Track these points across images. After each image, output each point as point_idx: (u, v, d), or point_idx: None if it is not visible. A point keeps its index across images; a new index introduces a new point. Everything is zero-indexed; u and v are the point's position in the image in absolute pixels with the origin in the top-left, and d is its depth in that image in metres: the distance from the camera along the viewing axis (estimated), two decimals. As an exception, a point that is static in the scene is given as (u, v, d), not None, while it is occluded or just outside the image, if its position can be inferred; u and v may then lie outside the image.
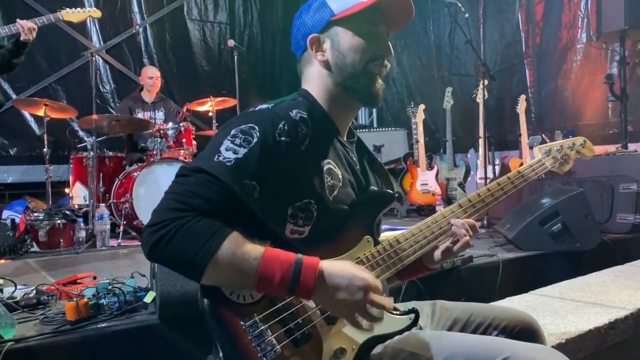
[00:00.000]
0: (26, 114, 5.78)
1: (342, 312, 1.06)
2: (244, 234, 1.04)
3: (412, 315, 1.13)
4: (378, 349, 1.13)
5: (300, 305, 1.09)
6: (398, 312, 1.14)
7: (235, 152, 1.07)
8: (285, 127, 1.11)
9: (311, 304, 1.09)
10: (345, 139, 1.30)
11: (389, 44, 1.26)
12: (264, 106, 1.17)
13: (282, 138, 1.10)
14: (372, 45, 1.23)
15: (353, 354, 1.08)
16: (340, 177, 1.20)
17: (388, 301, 1.06)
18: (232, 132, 1.10)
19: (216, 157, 1.07)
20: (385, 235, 1.27)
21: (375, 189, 1.30)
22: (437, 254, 1.29)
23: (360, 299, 1.03)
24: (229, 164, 1.05)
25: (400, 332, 1.12)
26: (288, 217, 1.13)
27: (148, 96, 5.51)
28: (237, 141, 1.08)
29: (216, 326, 1.04)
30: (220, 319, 1.05)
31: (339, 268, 1.05)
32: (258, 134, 1.09)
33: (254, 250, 1.02)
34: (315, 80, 1.27)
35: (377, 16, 1.24)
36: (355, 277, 1.04)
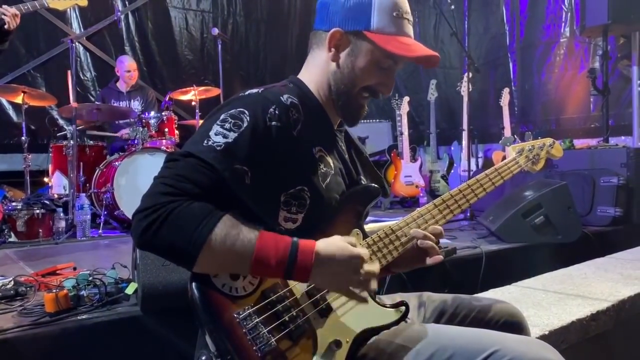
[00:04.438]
0: (3, 101, 5.65)
1: (339, 287, 1.06)
2: (237, 216, 1.02)
3: (403, 308, 1.13)
4: (369, 341, 1.12)
5: (293, 298, 1.07)
6: (389, 305, 1.14)
7: (225, 137, 1.04)
8: (276, 112, 1.09)
9: (304, 297, 1.08)
10: (335, 127, 1.28)
11: (392, 84, 1.24)
12: (254, 91, 1.14)
13: (273, 122, 1.08)
14: (381, 79, 1.21)
15: (347, 346, 1.07)
16: (332, 165, 1.19)
17: (376, 267, 1.08)
18: (222, 116, 1.07)
19: (205, 141, 1.04)
20: (368, 227, 1.26)
21: (364, 181, 1.29)
22: (406, 261, 1.27)
23: (356, 272, 1.03)
24: (218, 148, 1.03)
25: (393, 324, 1.12)
26: (281, 205, 1.11)
27: (124, 86, 5.42)
28: (227, 125, 1.06)
29: (208, 319, 1.01)
30: (213, 312, 1.01)
31: (334, 246, 1.04)
32: (248, 118, 1.07)
33: (249, 232, 1.00)
34: (318, 66, 1.23)
35: (403, 56, 1.19)
36: (351, 254, 1.04)
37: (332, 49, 1.20)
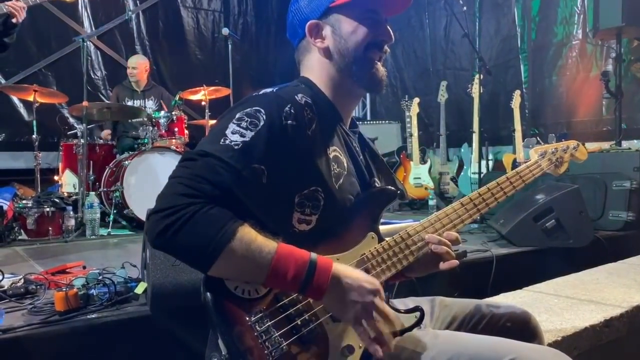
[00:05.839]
0: (15, 99, 5.69)
1: (349, 315, 1.03)
2: (254, 225, 1.01)
3: (418, 314, 1.11)
4: None
5: (306, 302, 1.06)
6: (403, 310, 1.12)
7: (242, 135, 1.03)
8: (292, 111, 1.08)
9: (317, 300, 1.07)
10: (347, 128, 1.27)
11: (389, 29, 1.24)
12: (269, 90, 1.13)
13: (289, 121, 1.07)
14: (373, 31, 1.21)
15: (360, 352, 1.06)
16: (346, 165, 1.18)
17: (389, 309, 1.05)
18: (238, 115, 1.07)
19: (222, 140, 1.03)
20: (386, 228, 1.24)
21: (379, 184, 1.27)
22: (421, 266, 1.24)
23: (369, 303, 1.02)
24: (236, 147, 1.02)
25: (407, 330, 1.10)
26: (295, 206, 1.10)
27: (137, 85, 5.45)
28: (244, 124, 1.05)
29: (220, 322, 1.00)
30: (225, 315, 1.00)
31: (351, 271, 1.04)
32: (264, 117, 1.06)
33: (267, 244, 0.99)
34: (315, 68, 1.24)
35: (375, 2, 1.22)
36: (366, 282, 1.03)
37: (317, 40, 1.21)
